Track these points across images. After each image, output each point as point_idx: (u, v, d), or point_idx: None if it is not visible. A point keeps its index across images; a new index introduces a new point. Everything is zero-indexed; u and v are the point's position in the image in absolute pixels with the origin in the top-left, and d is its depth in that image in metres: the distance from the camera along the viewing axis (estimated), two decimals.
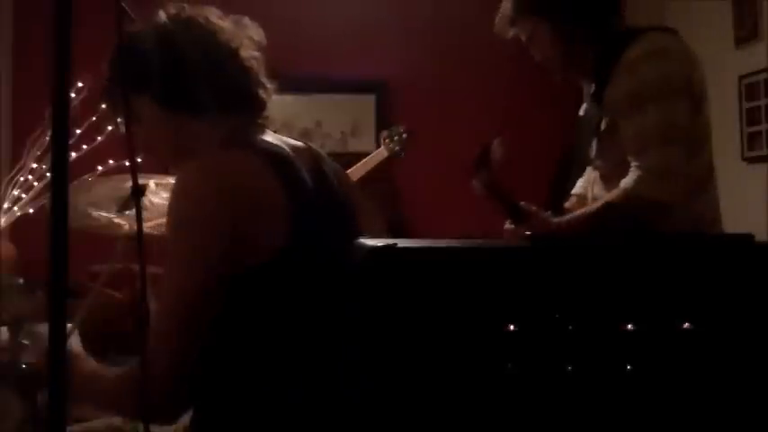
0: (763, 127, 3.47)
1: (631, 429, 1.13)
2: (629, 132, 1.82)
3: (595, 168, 2.03)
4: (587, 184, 2.08)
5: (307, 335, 1.35)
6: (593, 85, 1.96)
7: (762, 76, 3.44)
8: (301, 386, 1.34)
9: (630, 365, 1.11)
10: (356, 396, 1.17)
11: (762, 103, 3.47)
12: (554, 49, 1.95)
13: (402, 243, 1.10)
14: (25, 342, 1.76)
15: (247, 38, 1.49)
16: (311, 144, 1.56)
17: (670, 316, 1.12)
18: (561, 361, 1.10)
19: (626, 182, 1.82)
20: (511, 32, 2.01)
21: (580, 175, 2.12)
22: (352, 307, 1.21)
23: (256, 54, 1.50)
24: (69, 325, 1.50)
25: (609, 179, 1.95)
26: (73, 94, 1.81)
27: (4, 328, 1.82)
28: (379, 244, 1.10)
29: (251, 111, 1.48)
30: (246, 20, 1.51)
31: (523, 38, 2.01)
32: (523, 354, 1.10)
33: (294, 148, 1.48)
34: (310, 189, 1.40)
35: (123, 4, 0.96)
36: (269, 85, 1.51)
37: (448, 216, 3.77)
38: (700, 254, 1.18)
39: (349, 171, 3.28)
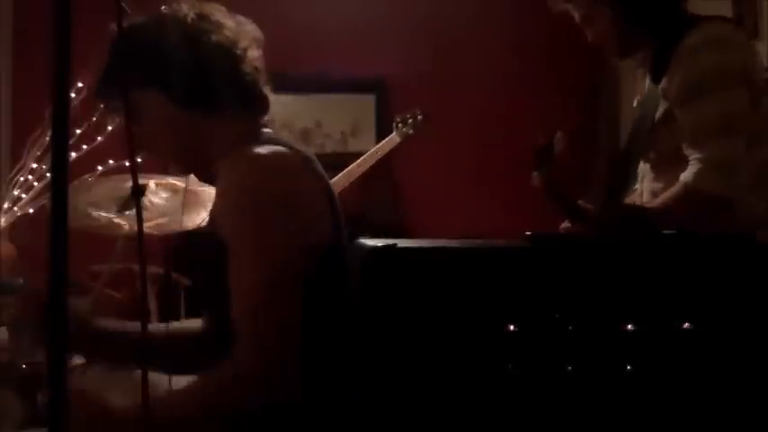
0: None
1: (631, 429, 1.13)
2: (686, 122, 1.77)
3: (647, 161, 1.96)
4: (640, 177, 2.03)
5: (308, 334, 1.35)
6: (651, 72, 1.92)
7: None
8: (301, 385, 1.34)
9: (630, 365, 1.11)
10: (356, 396, 1.17)
11: None
12: (613, 28, 1.90)
13: (402, 243, 1.10)
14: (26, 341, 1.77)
15: (252, 37, 1.49)
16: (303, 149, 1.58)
17: (670, 316, 1.12)
18: (561, 361, 1.10)
19: (685, 176, 1.75)
20: (562, 6, 1.95)
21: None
22: (351, 307, 1.21)
23: (259, 54, 1.50)
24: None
25: (661, 170, 1.89)
26: (73, 94, 1.80)
27: (4, 328, 1.82)
28: (379, 244, 1.10)
29: (261, 109, 1.49)
30: (244, 19, 1.51)
31: (577, 15, 1.93)
32: (523, 354, 1.10)
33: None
34: (334, 191, 1.44)
35: (123, 5, 0.96)
36: (269, 85, 1.52)
37: (448, 216, 3.78)
38: (700, 254, 1.18)
39: (360, 160, 3.32)
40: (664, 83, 1.82)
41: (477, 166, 4.29)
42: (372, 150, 3.37)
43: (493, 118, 4.27)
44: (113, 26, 1.09)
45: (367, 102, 4.49)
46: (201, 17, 1.44)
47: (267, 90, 1.50)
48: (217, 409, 1.27)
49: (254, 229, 1.30)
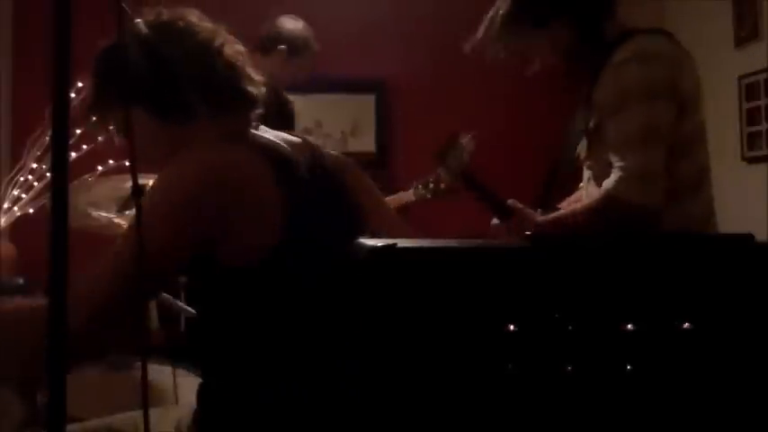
0: (763, 127, 3.48)
1: (631, 429, 1.13)
2: (611, 132, 1.85)
3: (588, 168, 2.05)
4: (583, 183, 2.10)
5: (303, 333, 1.35)
6: (586, 83, 1.98)
7: (762, 76, 3.44)
8: (301, 385, 1.34)
9: (630, 365, 1.11)
10: (356, 396, 1.17)
11: (762, 103, 3.47)
12: (554, 55, 1.97)
13: (402, 243, 1.10)
14: None
15: (229, 34, 1.48)
16: (309, 138, 1.56)
17: (670, 316, 1.12)
18: (561, 361, 1.10)
19: (607, 183, 1.84)
20: (500, 51, 2.02)
21: (571, 174, 2.14)
22: (351, 306, 1.21)
23: (241, 48, 1.49)
24: None
25: (599, 178, 1.96)
26: (73, 94, 1.80)
27: None
28: (378, 244, 1.10)
29: (243, 107, 1.47)
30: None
31: (518, 50, 2.01)
32: (523, 354, 1.10)
33: (291, 143, 1.48)
34: (306, 184, 1.40)
35: (123, 5, 0.96)
36: (258, 78, 1.50)
37: (448, 216, 3.77)
38: (700, 254, 1.18)
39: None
40: (595, 94, 1.89)
41: (477, 166, 4.29)
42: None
43: (493, 118, 4.27)
44: (120, 29, 1.09)
45: (367, 102, 4.49)
46: (166, 26, 1.43)
47: (254, 84, 1.48)
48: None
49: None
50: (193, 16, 1.46)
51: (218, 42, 1.44)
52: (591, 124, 1.94)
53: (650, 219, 1.79)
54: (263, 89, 1.50)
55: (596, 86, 1.90)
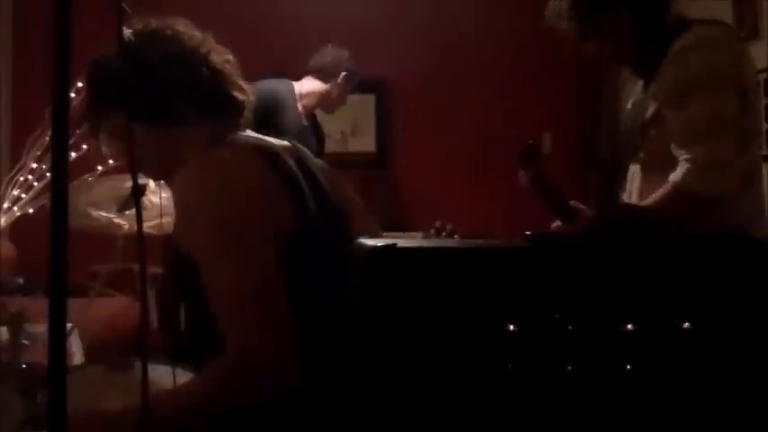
0: (763, 127, 3.47)
1: (631, 429, 1.13)
2: (676, 123, 1.78)
3: (637, 161, 1.97)
4: (629, 179, 2.02)
5: (305, 332, 1.35)
6: (642, 74, 1.93)
7: (762, 76, 3.44)
8: (303, 381, 1.34)
9: (630, 365, 1.11)
10: (356, 396, 1.17)
11: (762, 103, 3.47)
12: (625, 38, 1.89)
13: (402, 243, 1.10)
14: (25, 342, 1.77)
15: (217, 42, 1.51)
16: (294, 142, 1.57)
17: (670, 316, 1.12)
18: (561, 361, 1.10)
19: (675, 176, 1.77)
20: (563, 24, 1.95)
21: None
22: (351, 306, 1.21)
23: (229, 57, 1.52)
24: (69, 325, 1.50)
25: (650, 172, 1.91)
26: (73, 94, 1.81)
27: (4, 328, 1.82)
28: (379, 244, 1.10)
29: (229, 113, 1.50)
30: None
31: (580, 31, 1.93)
32: (523, 354, 1.10)
33: (280, 147, 1.50)
34: (302, 183, 1.43)
35: (123, 5, 0.96)
36: (245, 86, 1.53)
37: (448, 216, 3.77)
38: (700, 254, 1.18)
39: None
40: (653, 84, 1.84)
41: (477, 166, 4.29)
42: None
43: (492, 118, 4.27)
44: (120, 29, 1.10)
45: (367, 102, 4.49)
46: (153, 34, 1.46)
47: (241, 91, 1.51)
48: (211, 409, 1.28)
49: (220, 241, 1.31)
50: (181, 25, 1.50)
51: (204, 50, 1.48)
52: (648, 115, 1.87)
53: (715, 209, 1.73)
54: (252, 97, 1.54)
55: (656, 77, 1.83)
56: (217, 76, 1.47)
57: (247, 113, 1.53)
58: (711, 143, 1.73)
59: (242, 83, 1.52)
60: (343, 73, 3.61)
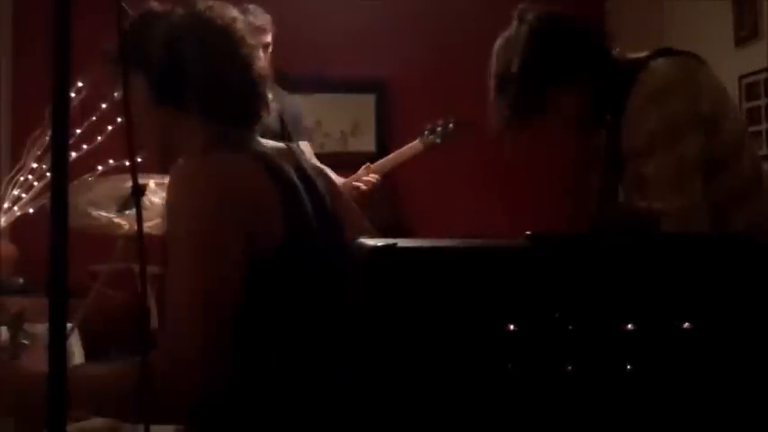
0: (763, 127, 3.48)
1: (631, 429, 1.13)
2: (647, 176, 1.85)
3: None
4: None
5: (304, 334, 1.35)
6: (604, 130, 1.98)
7: (762, 76, 3.44)
8: (300, 384, 1.34)
9: (630, 365, 1.11)
10: (356, 395, 1.17)
11: (762, 103, 3.47)
12: (581, 107, 1.97)
13: (402, 243, 1.10)
14: (25, 342, 1.77)
15: (260, 45, 1.48)
16: (291, 144, 1.57)
17: (670, 316, 1.12)
18: (561, 361, 1.10)
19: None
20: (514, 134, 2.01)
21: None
22: (351, 306, 1.21)
23: (266, 67, 1.49)
24: (69, 325, 1.50)
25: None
26: (73, 94, 1.80)
27: (4, 328, 1.82)
28: (379, 243, 1.10)
29: (243, 121, 1.47)
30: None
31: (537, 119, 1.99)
32: (523, 354, 1.10)
33: (275, 149, 1.49)
34: (299, 190, 1.42)
35: (123, 4, 0.96)
36: (270, 99, 1.49)
37: (448, 216, 3.78)
38: (700, 254, 1.18)
39: (379, 163, 3.23)
40: (622, 143, 1.89)
41: (477, 166, 4.29)
42: (392, 156, 3.26)
43: (492, 118, 4.26)
44: (120, 28, 1.09)
45: (367, 102, 4.49)
46: (208, 18, 1.43)
47: (265, 106, 1.47)
48: (121, 397, 1.23)
49: (183, 238, 1.29)
50: (239, 23, 1.45)
51: (248, 56, 1.44)
52: (627, 174, 1.92)
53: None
54: (273, 111, 1.52)
55: (621, 136, 1.90)
56: (248, 85, 1.44)
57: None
58: (679, 193, 1.81)
59: (269, 95, 1.49)
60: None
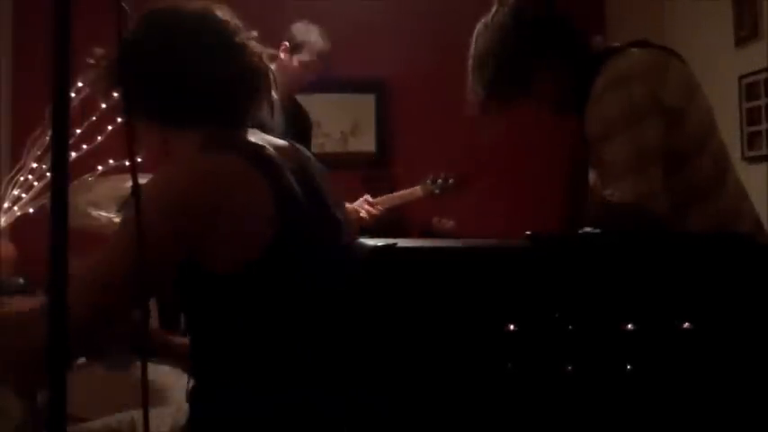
0: (763, 127, 3.47)
1: (631, 429, 1.13)
2: (605, 162, 1.85)
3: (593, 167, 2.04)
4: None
5: (302, 333, 1.35)
6: (574, 113, 1.99)
7: (762, 76, 3.44)
8: (300, 384, 1.34)
9: (630, 365, 1.11)
10: (356, 395, 1.17)
11: (762, 102, 3.47)
12: (556, 88, 1.98)
13: (402, 243, 1.10)
14: None
15: (260, 48, 1.47)
16: (295, 143, 1.56)
17: (670, 316, 1.12)
18: (561, 361, 1.10)
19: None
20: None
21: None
22: (351, 306, 1.20)
23: (269, 51, 1.48)
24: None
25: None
26: (73, 94, 1.80)
27: None
28: (379, 244, 1.10)
29: (237, 119, 1.46)
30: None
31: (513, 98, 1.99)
32: (523, 354, 1.10)
33: (277, 147, 1.48)
34: (295, 188, 1.40)
35: (123, 4, 0.96)
36: (273, 96, 1.49)
37: (448, 216, 3.77)
38: (700, 254, 1.18)
39: (380, 199, 3.35)
40: (585, 128, 1.89)
41: (477, 166, 4.29)
42: (390, 197, 3.41)
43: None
44: (120, 29, 1.08)
45: (367, 102, 4.49)
46: (199, 18, 1.43)
47: (259, 105, 1.47)
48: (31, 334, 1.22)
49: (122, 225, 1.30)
50: (235, 20, 1.45)
51: (245, 49, 1.43)
52: (591, 161, 1.93)
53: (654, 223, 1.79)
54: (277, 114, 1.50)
55: (585, 122, 1.91)
56: (232, 82, 1.43)
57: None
58: (636, 177, 1.78)
59: (273, 91, 1.48)
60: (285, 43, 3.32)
